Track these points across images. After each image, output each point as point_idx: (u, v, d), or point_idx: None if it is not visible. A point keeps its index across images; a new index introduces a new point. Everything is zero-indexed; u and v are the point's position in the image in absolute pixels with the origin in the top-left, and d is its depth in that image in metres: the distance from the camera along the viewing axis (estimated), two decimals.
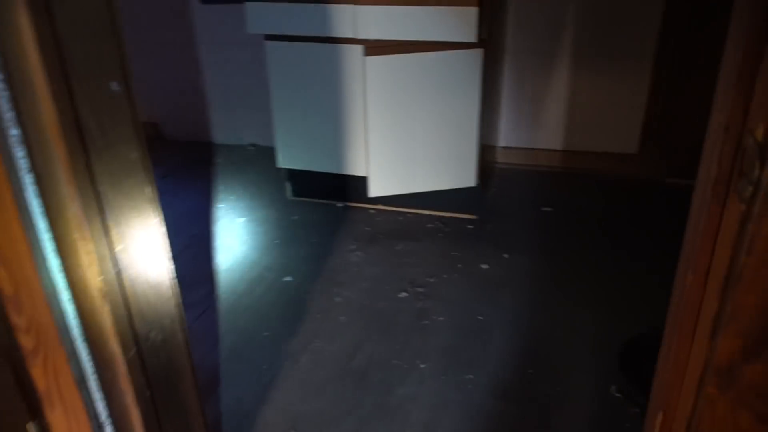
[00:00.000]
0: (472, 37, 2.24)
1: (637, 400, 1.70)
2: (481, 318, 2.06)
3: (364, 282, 2.29)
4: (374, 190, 2.57)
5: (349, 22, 2.31)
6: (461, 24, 2.22)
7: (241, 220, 2.73)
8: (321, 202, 2.84)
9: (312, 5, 2.33)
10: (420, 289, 2.23)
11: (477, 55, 2.32)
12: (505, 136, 3.14)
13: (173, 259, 1.00)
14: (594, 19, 2.78)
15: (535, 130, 3.09)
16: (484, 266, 2.34)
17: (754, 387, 0.64)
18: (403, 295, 2.20)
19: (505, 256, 2.40)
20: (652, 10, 2.70)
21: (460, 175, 2.56)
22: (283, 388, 1.80)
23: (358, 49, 2.34)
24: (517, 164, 3.15)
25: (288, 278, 2.32)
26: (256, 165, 3.22)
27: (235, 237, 2.60)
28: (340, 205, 2.82)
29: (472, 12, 2.18)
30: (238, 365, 1.90)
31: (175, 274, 1.01)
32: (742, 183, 0.59)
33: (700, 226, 0.70)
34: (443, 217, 2.69)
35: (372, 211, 2.76)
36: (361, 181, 2.65)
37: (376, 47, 2.30)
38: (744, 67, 0.59)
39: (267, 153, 2.71)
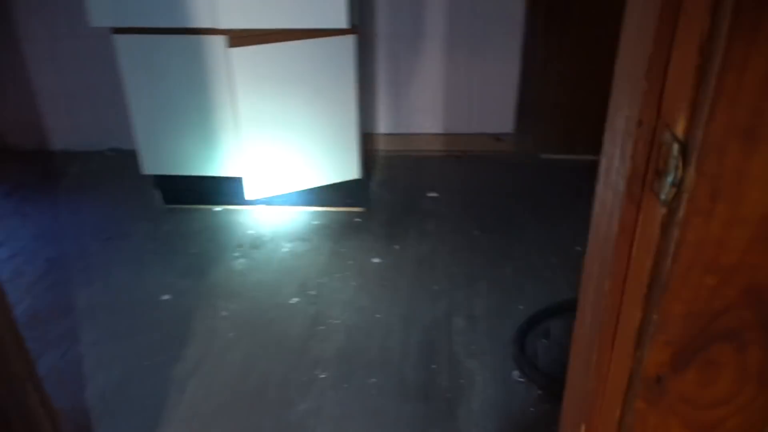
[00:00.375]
0: (343, 23, 2.13)
1: (539, 382, 1.71)
2: (378, 316, 1.99)
3: (251, 291, 2.13)
4: (251, 193, 2.41)
5: (208, 10, 2.11)
6: (331, 10, 2.10)
7: (106, 236, 2.45)
8: (196, 208, 2.62)
9: None
10: (312, 292, 2.11)
11: (350, 41, 2.22)
12: (384, 123, 3.08)
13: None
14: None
15: (413, 114, 3.05)
16: (376, 260, 2.27)
17: (686, 397, 0.59)
18: (295, 300, 2.08)
19: (396, 247, 2.34)
20: None
21: (343, 168, 2.46)
22: (170, 422, 1.62)
23: (221, 40, 2.15)
24: (399, 150, 3.10)
25: (166, 297, 2.11)
26: (119, 172, 2.92)
27: (101, 257, 2.33)
28: (217, 209, 2.62)
29: None
30: (115, 404, 1.69)
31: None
32: (661, 183, 0.53)
33: (612, 229, 0.65)
34: (330, 212, 2.58)
35: (253, 213, 2.59)
36: (238, 183, 2.47)
37: (240, 37, 2.12)
38: (655, 54, 0.53)
39: (131, 158, 2.46)
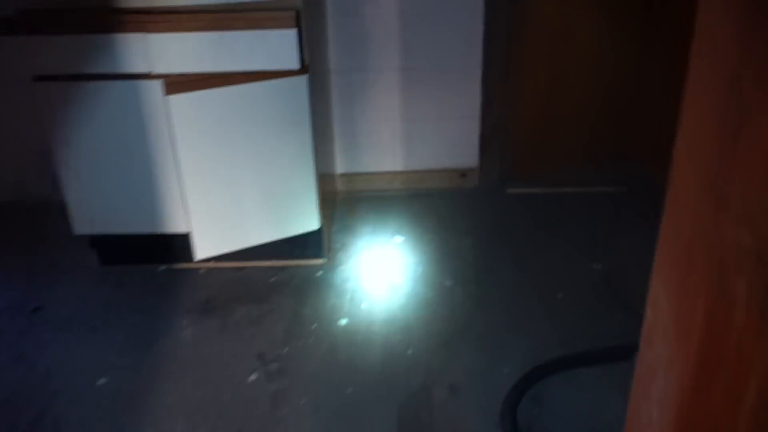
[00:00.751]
0: (294, 63, 1.93)
1: None
2: (350, 391, 1.77)
3: (202, 368, 1.88)
4: (201, 251, 2.16)
5: (141, 54, 1.88)
6: (280, 49, 1.90)
7: (32, 307, 2.16)
8: (138, 268, 2.35)
9: (92, 36, 1.87)
10: (273, 366, 1.88)
11: (301, 81, 2.02)
12: (342, 163, 2.88)
13: None
14: (416, 29, 2.62)
15: (372, 152, 2.86)
16: (343, 322, 2.05)
17: None
18: (254, 377, 1.84)
19: (363, 305, 2.13)
20: (473, 16, 2.59)
21: (301, 219, 2.24)
22: None
23: (157, 85, 1.92)
24: (359, 191, 2.90)
25: (102, 380, 1.84)
26: (50, 228, 2.61)
27: (26, 334, 2.03)
28: (162, 268, 2.35)
29: (290, 35, 1.88)
30: None
31: None
32: None
33: None
34: (288, 267, 2.35)
35: (202, 272, 2.33)
36: (185, 239, 2.22)
37: (177, 83, 1.89)
38: None
39: (64, 211, 2.18)
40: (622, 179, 2.87)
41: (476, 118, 2.78)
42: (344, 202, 2.83)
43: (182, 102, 1.90)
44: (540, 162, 2.86)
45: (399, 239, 2.51)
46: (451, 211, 2.74)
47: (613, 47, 2.68)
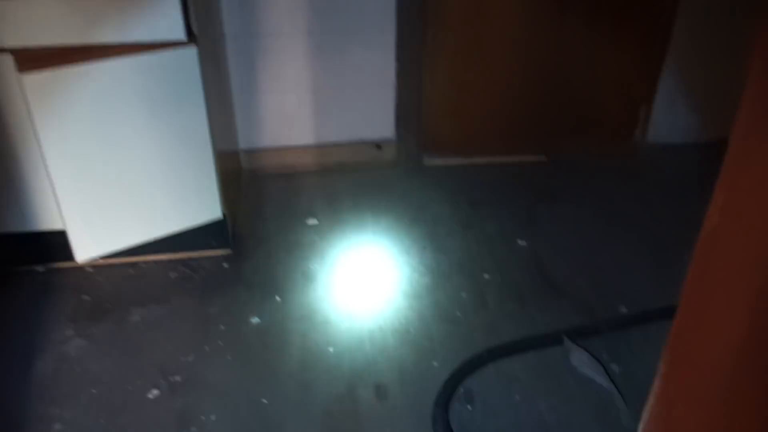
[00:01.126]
0: (179, 33, 1.66)
1: None
2: (265, 402, 1.59)
3: (93, 386, 1.64)
4: (81, 251, 1.88)
5: None
6: (161, 17, 1.62)
7: None
8: (13, 270, 2.03)
9: None
10: (176, 378, 1.66)
11: (190, 54, 1.75)
12: (246, 138, 2.63)
13: None
14: None
15: (279, 125, 2.63)
16: (255, 320, 1.86)
17: None
18: (155, 393, 1.62)
19: (278, 299, 1.94)
20: None
21: (200, 207, 2.00)
22: None
23: (7, 61, 1.59)
24: (267, 168, 2.67)
25: None
26: None
27: None
28: (41, 269, 2.05)
29: (172, 0, 1.60)
30: None
31: None
32: None
33: None
34: (189, 259, 2.11)
35: (90, 270, 2.05)
36: (63, 236, 1.92)
37: (34, 59, 1.58)
38: None
39: None
40: (542, 149, 2.80)
41: (391, 87, 2.60)
42: (250, 181, 2.60)
43: (39, 81, 1.59)
44: (459, 133, 2.74)
45: (313, 222, 2.32)
46: (368, 187, 2.57)
47: (533, 15, 2.56)
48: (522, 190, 2.54)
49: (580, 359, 1.67)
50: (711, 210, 0.63)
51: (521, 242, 2.20)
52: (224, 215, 2.06)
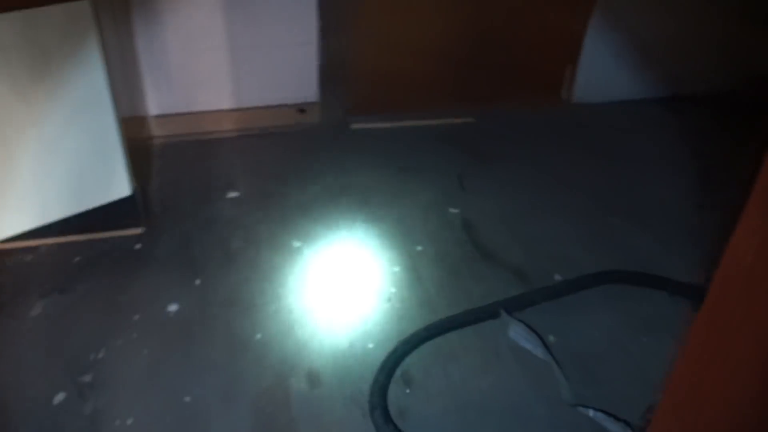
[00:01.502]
0: None
1: None
2: (188, 400, 1.46)
3: None
4: None
5: None
6: None
7: None
8: None
9: None
10: (85, 378, 1.50)
11: (83, 8, 1.52)
12: (157, 102, 2.39)
13: None
14: None
15: (193, 88, 2.41)
16: (173, 307, 1.70)
17: None
18: (61, 397, 1.45)
19: (197, 282, 1.79)
20: None
21: (106, 183, 1.80)
22: None
23: None
24: (181, 135, 2.46)
25: None
26: None
27: None
28: None
29: None
30: None
31: None
32: None
33: None
34: (97, 241, 1.91)
35: None
36: None
37: None
38: None
39: None
40: (470, 110, 2.73)
41: (314, 45, 2.42)
42: (163, 151, 2.38)
43: None
44: (386, 94, 2.61)
45: (233, 194, 2.16)
46: (292, 153, 2.42)
47: None
48: (452, 153, 2.46)
49: (517, 332, 1.64)
50: (742, 245, 0.54)
51: (453, 210, 2.14)
52: (134, 191, 1.87)
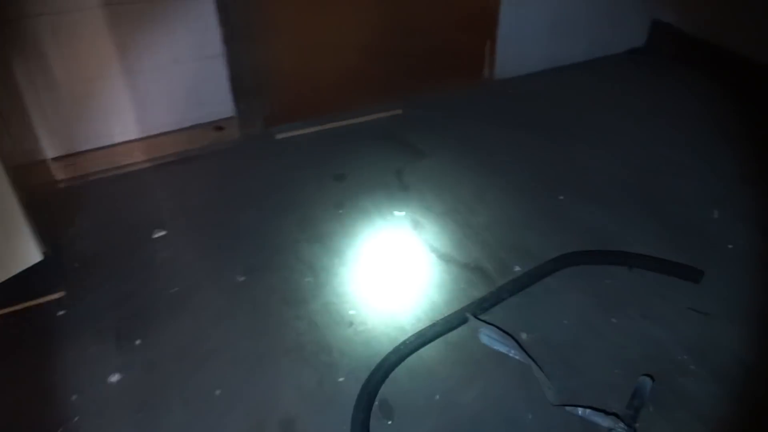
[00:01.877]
0: None
1: None
2: None
3: None
4: None
5: None
6: None
7: None
8: None
9: None
10: None
11: None
12: (53, 143, 2.15)
13: None
14: None
15: (92, 121, 2.18)
16: (114, 377, 1.52)
17: None
18: None
19: (137, 342, 1.61)
20: None
21: (11, 255, 1.58)
22: None
23: None
24: (89, 175, 2.22)
25: None
26: None
27: None
28: None
29: None
30: None
31: None
32: None
33: None
34: (13, 314, 1.68)
35: None
36: None
37: None
38: None
39: None
40: (396, 101, 2.62)
41: (221, 57, 2.24)
42: (72, 195, 2.15)
43: None
44: (308, 97, 2.47)
45: (161, 233, 1.97)
46: (216, 176, 2.25)
47: None
48: (387, 151, 2.36)
49: (489, 337, 1.57)
50: None
51: (399, 213, 2.04)
52: (45, 254, 1.66)
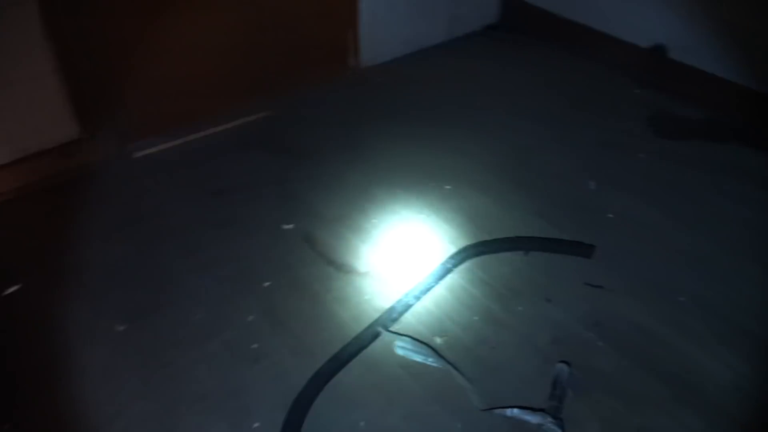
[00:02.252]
0: None
1: None
2: None
3: None
4: None
5: None
6: None
7: None
8: None
9: None
10: None
11: None
12: None
13: None
14: None
15: None
16: None
17: None
18: None
19: (5, 429, 1.36)
20: None
21: None
22: None
23: None
24: None
25: None
26: None
27: None
28: None
29: None
30: None
31: None
32: None
33: None
34: None
35: None
36: None
37: None
38: None
39: None
40: (265, 102, 2.45)
41: (55, 74, 1.94)
42: None
43: None
44: (168, 107, 2.22)
45: (13, 288, 1.69)
46: (68, 210, 1.98)
47: None
48: (262, 157, 2.21)
49: (404, 348, 1.51)
50: None
51: (287, 226, 1.91)
52: None
